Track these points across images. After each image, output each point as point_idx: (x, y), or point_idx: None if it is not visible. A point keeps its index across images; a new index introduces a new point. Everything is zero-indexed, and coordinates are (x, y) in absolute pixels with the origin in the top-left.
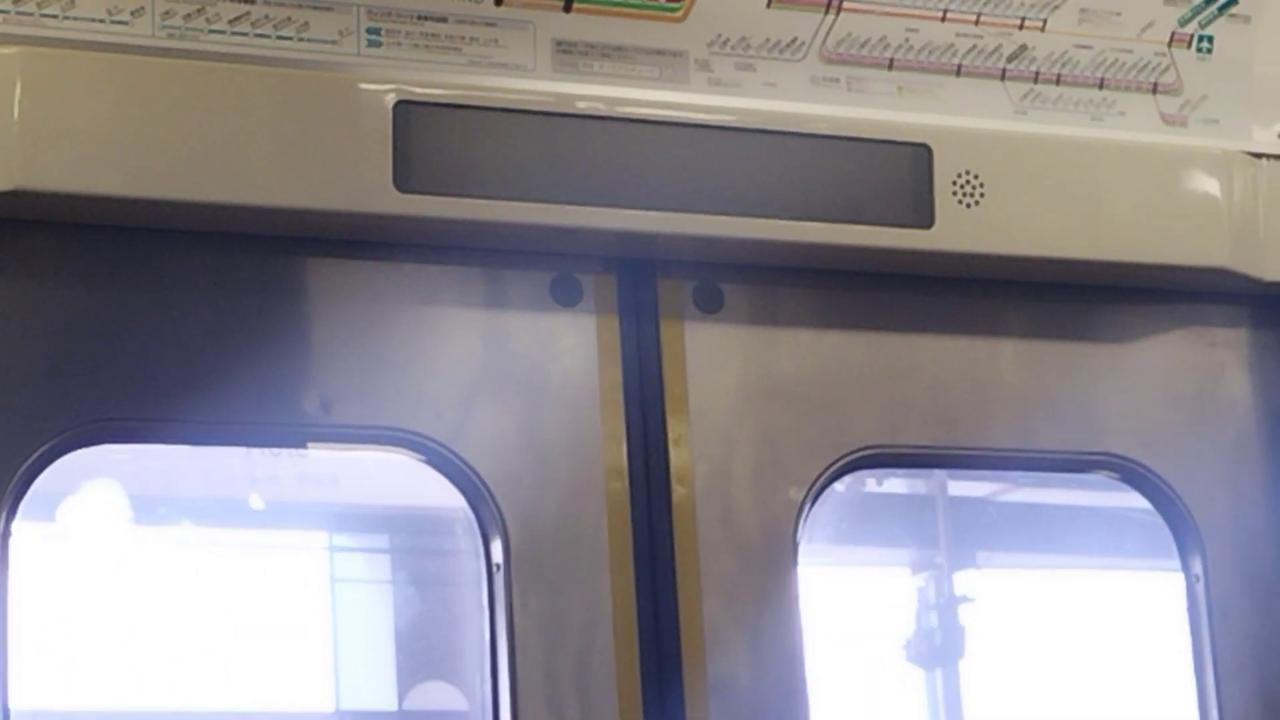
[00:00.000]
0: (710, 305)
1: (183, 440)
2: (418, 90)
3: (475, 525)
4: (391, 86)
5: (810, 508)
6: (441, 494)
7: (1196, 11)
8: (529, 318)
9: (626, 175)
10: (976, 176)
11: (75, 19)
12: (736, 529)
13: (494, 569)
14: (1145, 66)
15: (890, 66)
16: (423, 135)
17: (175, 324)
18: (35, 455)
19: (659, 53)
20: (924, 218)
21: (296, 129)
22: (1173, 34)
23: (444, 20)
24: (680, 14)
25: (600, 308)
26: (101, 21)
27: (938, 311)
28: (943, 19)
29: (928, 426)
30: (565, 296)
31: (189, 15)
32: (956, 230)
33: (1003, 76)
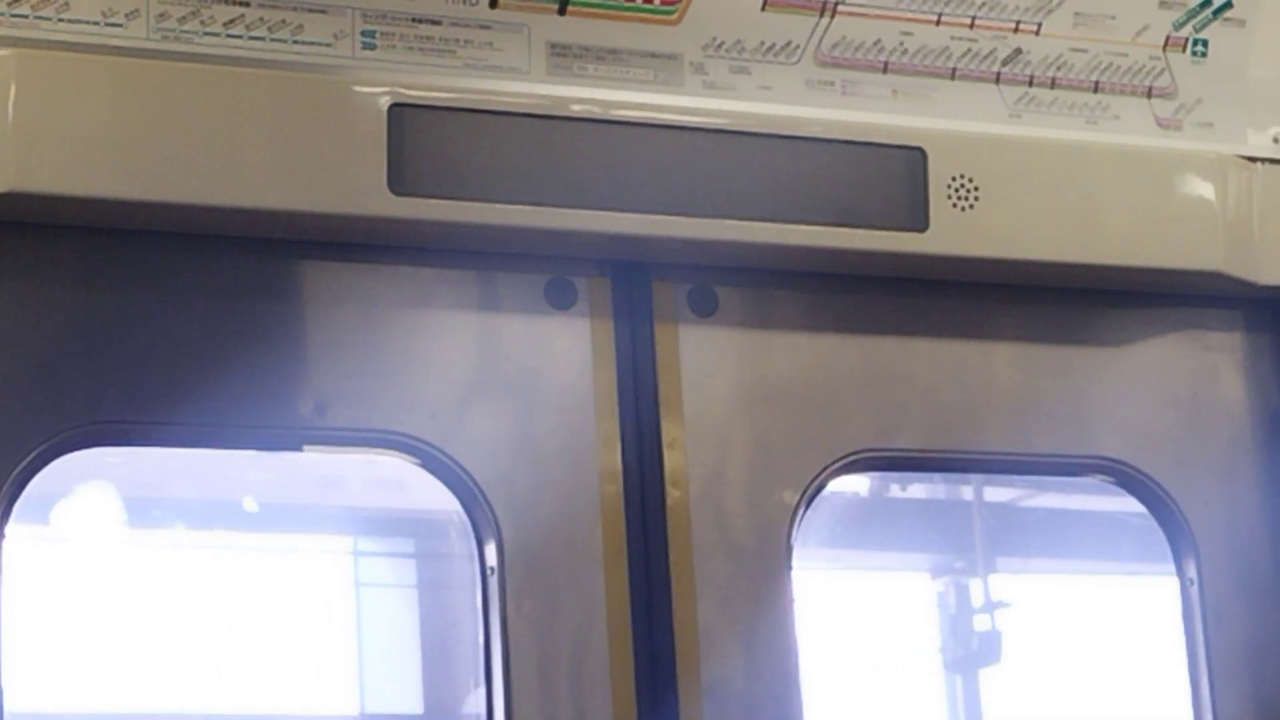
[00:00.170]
0: (705, 308)
1: (177, 443)
2: (412, 93)
3: (469, 528)
4: (386, 89)
5: (805, 511)
6: None
7: (1191, 15)
8: (523, 320)
9: (621, 178)
10: (971, 180)
11: (70, 21)
12: (731, 532)
13: (488, 572)
14: (1140, 70)
15: (885, 70)
16: (417, 138)
17: (170, 327)
18: (29, 458)
19: (654, 56)
20: (919, 221)
21: (291, 131)
22: (1167, 38)
23: (438, 23)
24: (675, 17)
25: (595, 311)
26: (96, 24)
27: (932, 315)
28: (937, 22)
29: (922, 430)
30: (560, 299)
31: (183, 18)
32: (951, 234)
33: (997, 80)
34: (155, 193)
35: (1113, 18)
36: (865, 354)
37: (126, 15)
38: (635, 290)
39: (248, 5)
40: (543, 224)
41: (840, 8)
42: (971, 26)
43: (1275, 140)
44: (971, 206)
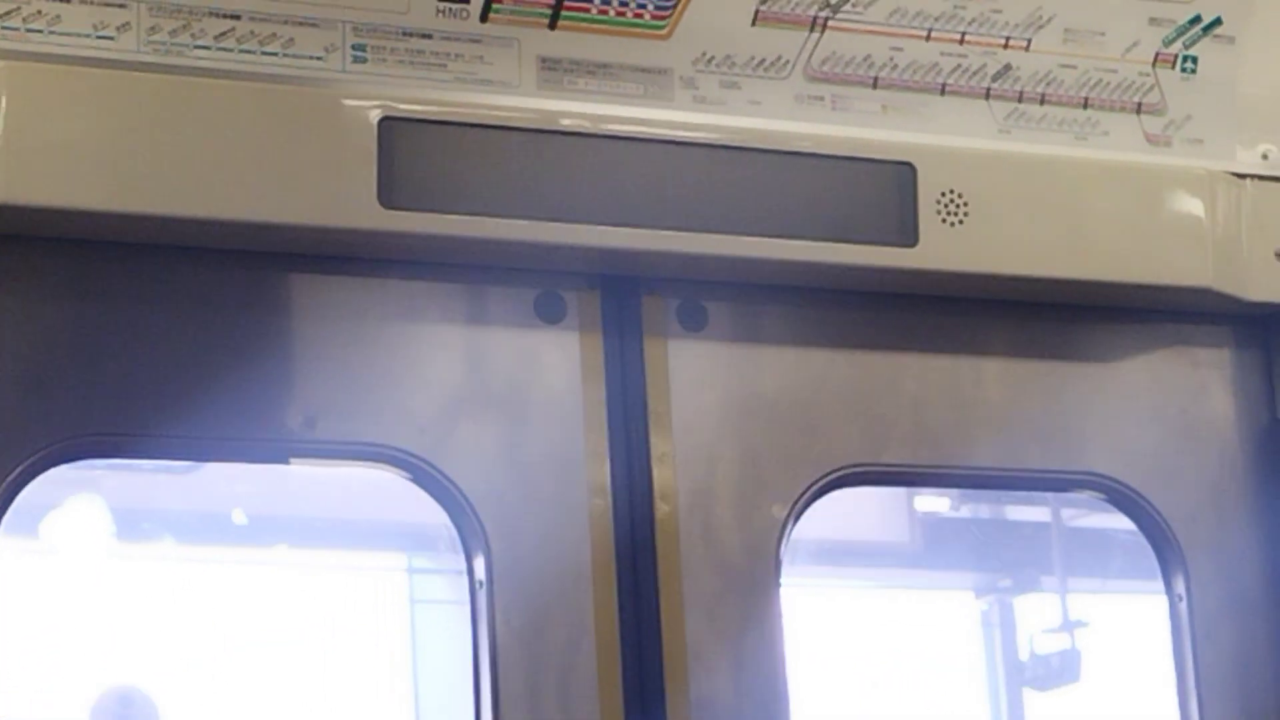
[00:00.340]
0: (694, 323)
1: (166, 455)
2: (403, 106)
3: (458, 542)
4: (376, 103)
5: (793, 526)
6: None
7: (1181, 32)
8: (513, 334)
9: (611, 192)
10: (960, 195)
11: (61, 34)
12: (719, 547)
13: (477, 586)
14: (1129, 86)
15: (875, 85)
16: (407, 151)
17: (159, 339)
18: (17, 471)
19: (644, 70)
20: (908, 236)
21: (281, 145)
22: (1157, 54)
23: (429, 37)
24: (665, 32)
25: (584, 325)
26: (87, 36)
27: (921, 330)
28: (927, 38)
29: (911, 445)
30: (549, 313)
31: (174, 31)
32: (940, 249)
33: (987, 96)
34: (146, 205)
35: (1102, 34)
36: (855, 369)
37: (117, 28)
38: (625, 305)
39: (238, 18)
40: (533, 238)
41: (830, 23)
42: (961, 42)
43: (1264, 157)
44: (961, 222)
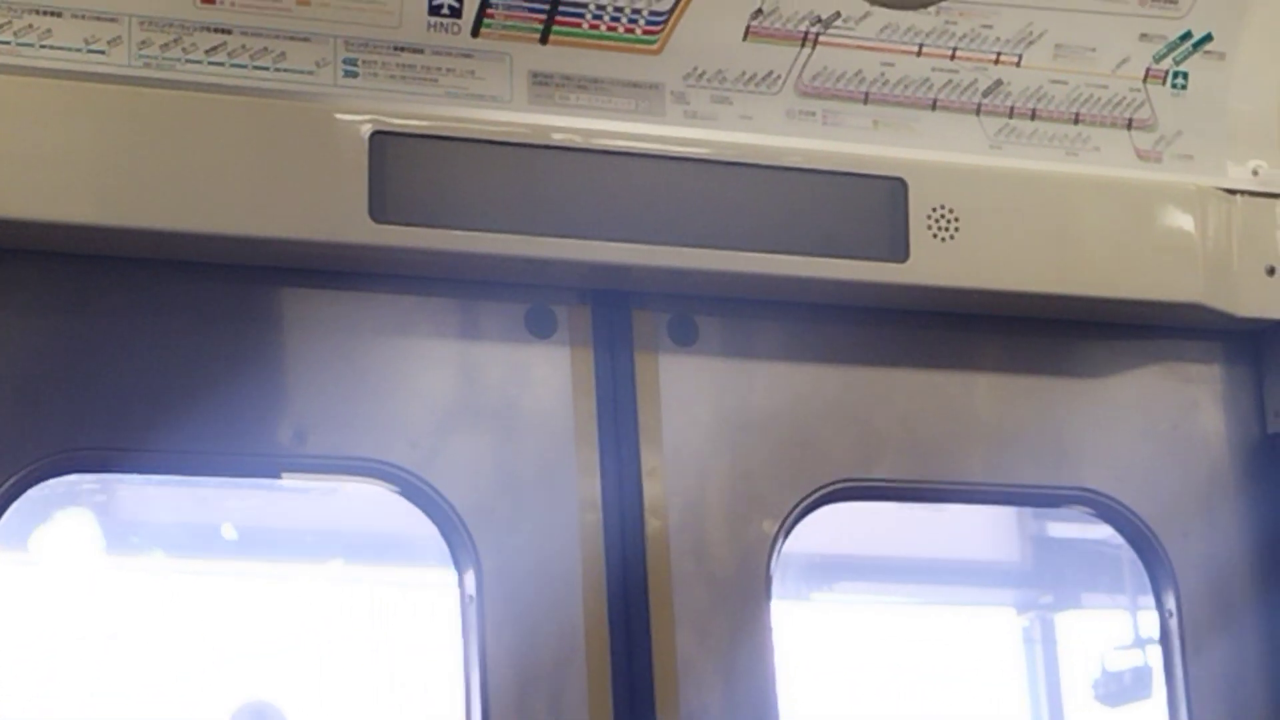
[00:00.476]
0: (685, 337)
1: (156, 470)
2: (394, 121)
3: (448, 556)
4: (368, 117)
5: (784, 541)
6: None
7: (1171, 48)
8: (504, 349)
9: (602, 207)
10: (951, 210)
11: (52, 48)
12: (710, 562)
13: (467, 600)
14: (1120, 102)
15: (866, 100)
16: (398, 166)
17: (149, 353)
18: (8, 484)
19: (635, 85)
20: (899, 251)
21: (273, 159)
22: (1148, 70)
23: (420, 51)
24: (656, 47)
25: (575, 339)
26: (78, 50)
27: (912, 345)
28: (918, 53)
29: (902, 460)
30: (540, 328)
31: (166, 45)
32: (931, 264)
33: (978, 111)
34: (136, 219)
35: (1093, 50)
36: (845, 384)
37: (109, 42)
38: (615, 319)
39: (230, 33)
40: (523, 252)
41: (821, 38)
42: (952, 58)
43: (1255, 173)
44: (952, 237)
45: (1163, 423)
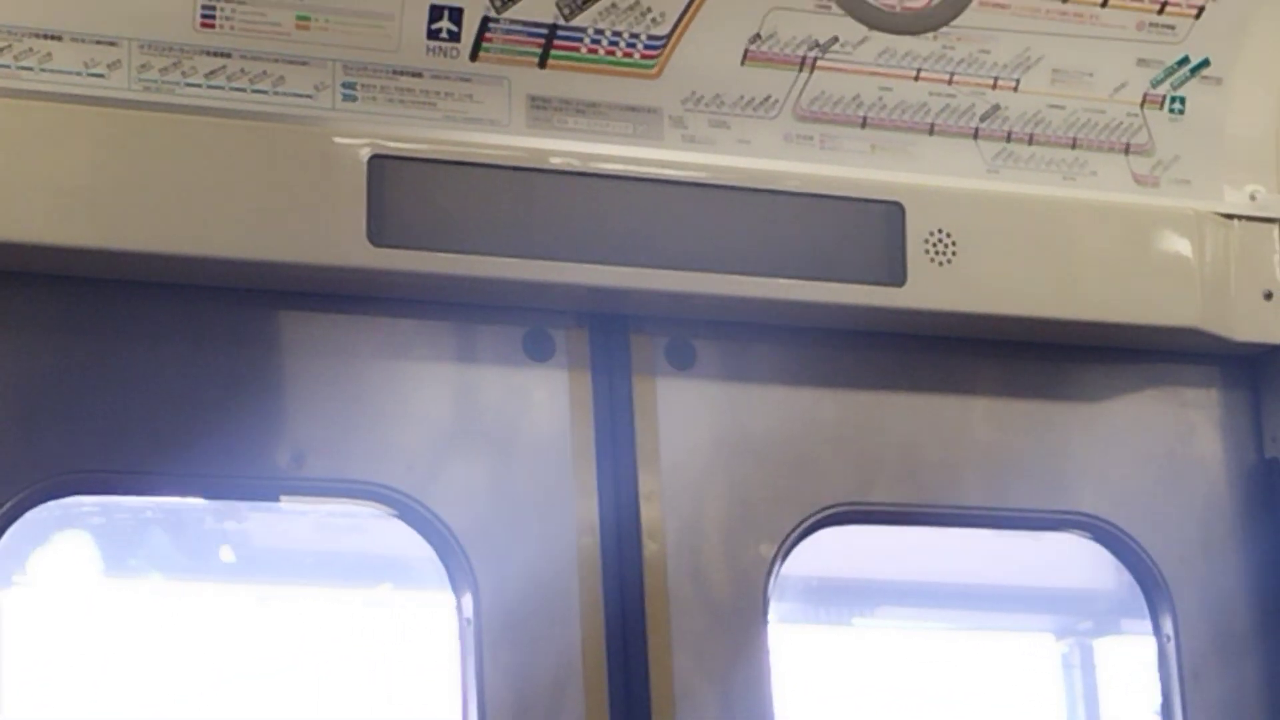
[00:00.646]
0: (682, 361)
1: (154, 492)
2: (392, 145)
3: (446, 579)
4: (366, 141)
5: (781, 564)
6: None
7: (1169, 73)
8: (501, 372)
9: (600, 231)
10: (949, 235)
11: (52, 71)
12: (707, 585)
13: (464, 623)
14: (1117, 127)
15: (864, 125)
16: (397, 189)
17: (148, 376)
18: (5, 508)
19: (633, 109)
20: (896, 275)
21: (271, 182)
22: (1145, 95)
23: (419, 75)
24: (654, 71)
25: (573, 363)
26: (78, 74)
27: (909, 369)
28: (916, 78)
29: (899, 484)
30: (538, 351)
31: (165, 69)
32: (928, 288)
33: (975, 136)
34: (136, 242)
35: (1091, 75)
36: (843, 408)
37: (108, 66)
38: (613, 342)
39: (229, 56)
40: (521, 276)
41: (819, 63)
42: (950, 82)
43: (1252, 198)
44: (949, 261)
45: (1160, 447)
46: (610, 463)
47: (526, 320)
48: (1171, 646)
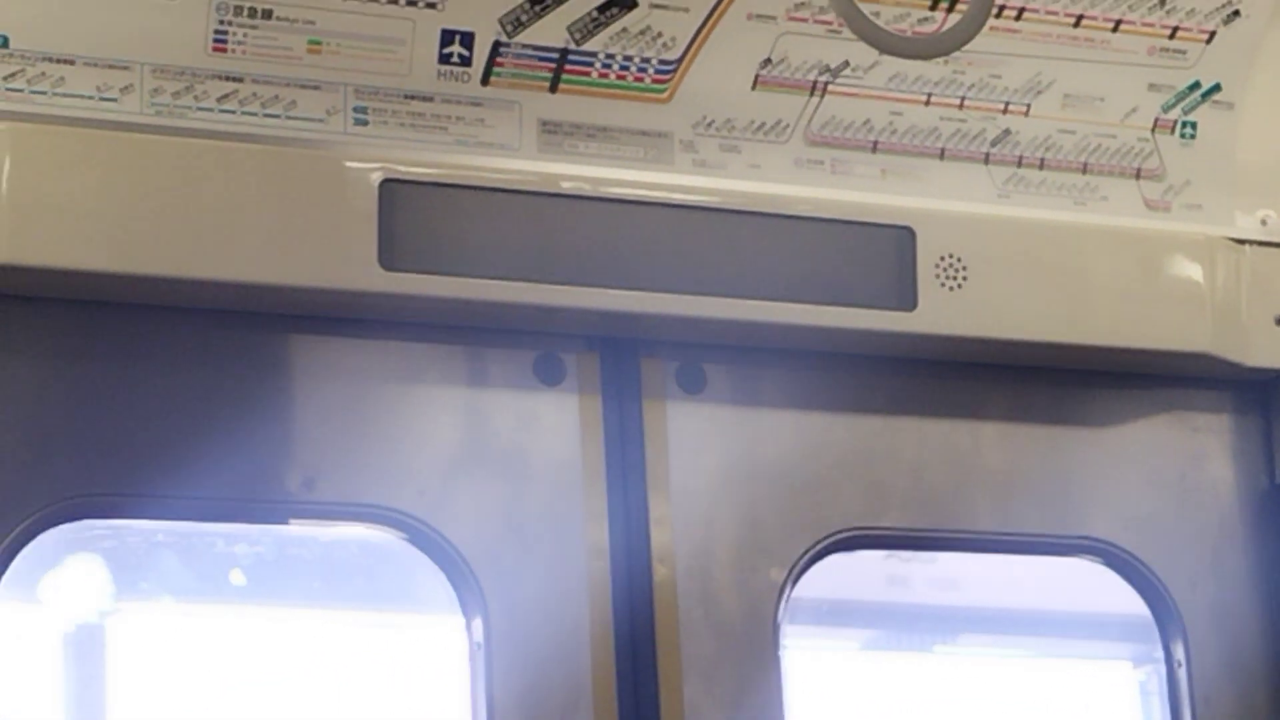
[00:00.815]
0: (693, 385)
1: (165, 516)
2: (404, 169)
3: (456, 603)
4: (378, 165)
5: (791, 589)
6: None
7: (1180, 97)
8: (512, 396)
9: (610, 255)
10: (959, 259)
11: (64, 95)
12: (717, 610)
13: (475, 648)
14: (1128, 152)
15: (874, 149)
16: (408, 213)
17: (159, 400)
18: (15, 532)
19: (644, 133)
20: (907, 300)
21: (283, 206)
22: (1156, 120)
23: (430, 99)
24: (665, 95)
25: (583, 387)
26: (90, 98)
27: (920, 394)
28: (927, 103)
29: (910, 508)
30: (548, 375)
31: (177, 93)
32: (939, 313)
33: (986, 160)
34: (147, 266)
35: (1102, 99)
36: (853, 433)
37: (121, 90)
38: (624, 367)
39: (241, 81)
40: (532, 300)
41: (830, 87)
42: (961, 107)
43: (1264, 223)
44: (960, 286)
45: (1171, 472)
46: (621, 487)
47: (537, 344)
48: (1183, 672)
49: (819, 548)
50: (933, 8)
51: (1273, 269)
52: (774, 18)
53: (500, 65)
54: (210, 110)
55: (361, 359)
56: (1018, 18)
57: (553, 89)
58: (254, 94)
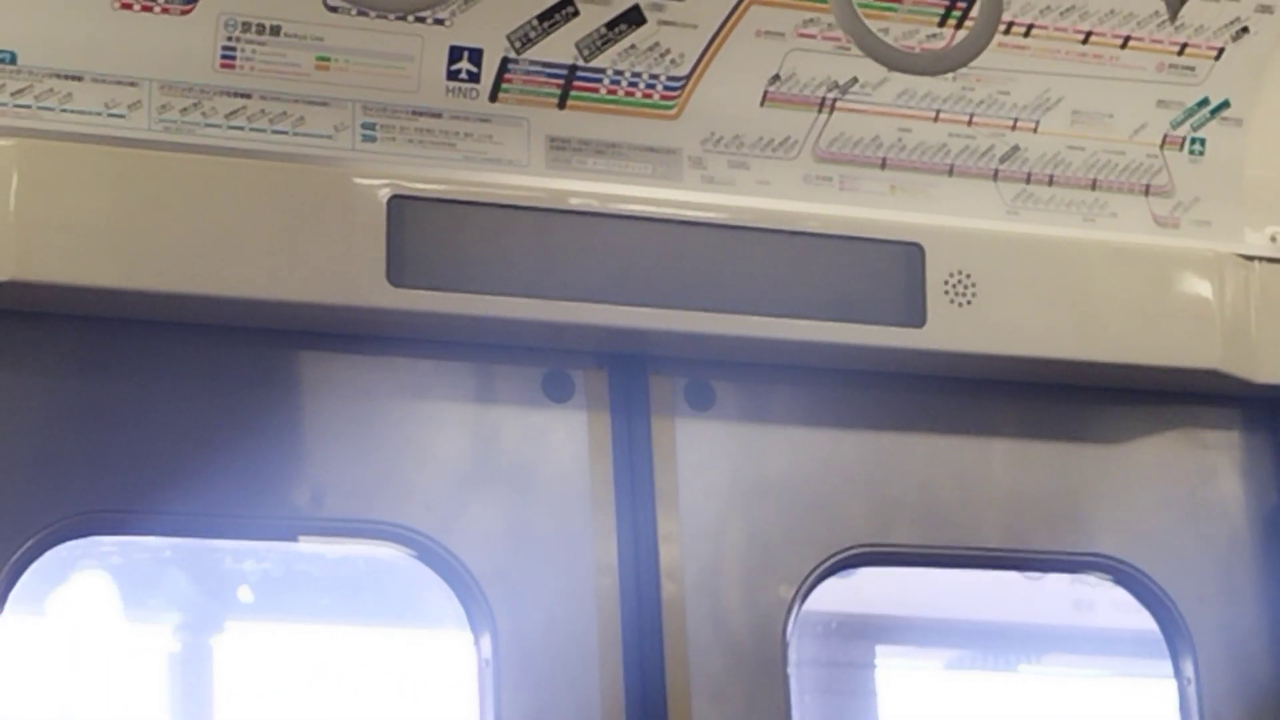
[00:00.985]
0: (701, 402)
1: (173, 532)
2: (412, 185)
3: (465, 620)
4: (386, 181)
5: (800, 606)
6: None
7: (1189, 114)
8: (520, 413)
9: (619, 271)
10: (969, 276)
11: (72, 112)
12: (726, 627)
13: (483, 664)
14: (1137, 168)
15: (883, 166)
16: (416, 230)
17: (167, 416)
18: (24, 547)
19: (652, 150)
20: (916, 317)
21: (291, 223)
22: (1165, 136)
23: (438, 116)
24: (674, 112)
25: (592, 404)
26: (99, 114)
27: (929, 411)
28: (935, 119)
29: (918, 525)
30: (557, 392)
31: (185, 109)
32: (948, 330)
33: (995, 177)
34: (155, 282)
35: (1110, 116)
36: (862, 449)
37: (129, 106)
38: (632, 384)
39: (249, 97)
40: (541, 316)
41: (839, 104)
42: (970, 124)
43: (1273, 239)
44: (969, 302)
45: (1180, 489)
46: (629, 504)
47: (545, 361)
48: (1192, 689)
49: (827, 565)
50: (940, 24)
51: None
52: (782, 34)
53: (509, 81)
54: (218, 126)
55: (370, 375)
56: (1026, 34)
57: (561, 105)
58: (262, 110)
